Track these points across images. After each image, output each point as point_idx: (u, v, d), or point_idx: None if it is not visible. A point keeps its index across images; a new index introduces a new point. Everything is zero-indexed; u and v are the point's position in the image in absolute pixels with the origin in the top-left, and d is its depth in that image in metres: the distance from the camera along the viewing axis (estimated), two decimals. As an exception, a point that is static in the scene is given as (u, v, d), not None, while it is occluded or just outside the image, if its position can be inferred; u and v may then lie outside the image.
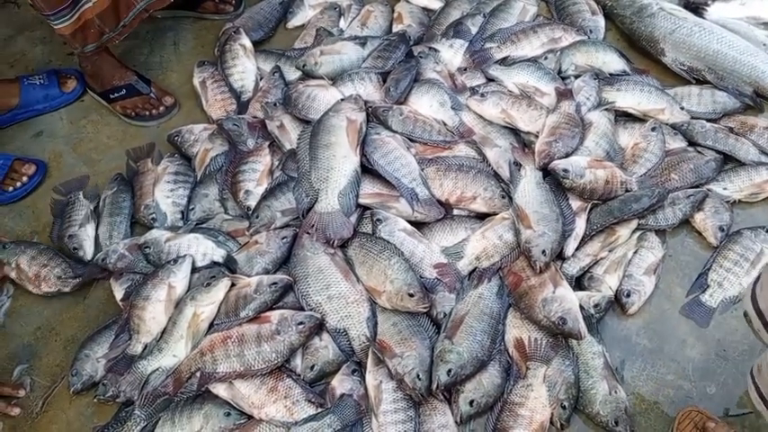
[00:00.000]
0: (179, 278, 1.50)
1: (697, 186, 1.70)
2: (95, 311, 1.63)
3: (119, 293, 1.58)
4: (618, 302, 1.54)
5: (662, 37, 1.94)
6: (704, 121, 1.82)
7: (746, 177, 1.71)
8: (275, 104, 1.86)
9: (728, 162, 1.76)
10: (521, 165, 1.64)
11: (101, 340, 1.52)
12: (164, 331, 1.46)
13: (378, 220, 1.59)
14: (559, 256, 1.55)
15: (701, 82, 1.91)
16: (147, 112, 1.98)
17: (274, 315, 1.42)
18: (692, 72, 1.91)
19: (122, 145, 1.94)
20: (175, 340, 1.43)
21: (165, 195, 1.73)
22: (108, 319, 1.58)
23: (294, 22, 2.24)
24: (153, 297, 1.47)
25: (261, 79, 1.99)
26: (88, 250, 1.68)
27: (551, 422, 1.36)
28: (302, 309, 1.46)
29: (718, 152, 1.75)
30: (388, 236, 1.56)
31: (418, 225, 1.62)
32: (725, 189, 1.71)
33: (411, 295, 1.42)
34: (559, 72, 1.92)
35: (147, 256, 1.59)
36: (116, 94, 1.97)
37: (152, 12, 2.21)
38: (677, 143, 1.78)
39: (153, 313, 1.46)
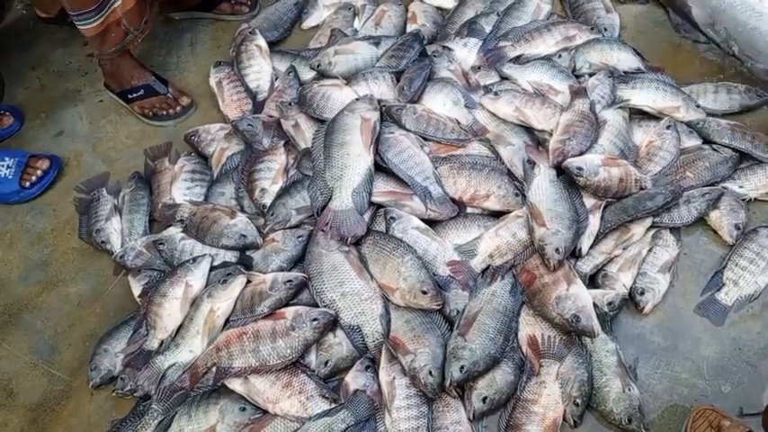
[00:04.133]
0: (197, 277, 1.52)
1: (713, 184, 1.69)
2: (114, 307, 1.66)
3: (137, 290, 1.61)
4: (632, 300, 1.54)
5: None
6: (720, 119, 1.80)
7: (763, 175, 1.70)
8: (290, 104, 1.88)
9: (744, 160, 1.74)
10: (534, 163, 1.64)
11: (119, 336, 1.55)
12: (180, 327, 1.48)
13: (391, 218, 1.60)
14: (573, 254, 1.54)
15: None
16: (165, 112, 2.01)
17: (289, 312, 1.43)
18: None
19: (140, 144, 1.98)
20: (192, 336, 1.45)
21: (182, 193, 1.75)
22: (126, 315, 1.61)
23: (309, 22, 2.27)
24: (170, 294, 1.50)
25: (276, 79, 2.01)
26: (115, 243, 1.71)
27: (564, 419, 1.36)
28: (317, 306, 1.48)
29: (735, 150, 1.74)
30: (401, 234, 1.57)
31: (432, 223, 1.63)
32: (741, 187, 1.70)
33: (424, 293, 1.43)
34: (573, 70, 1.92)
35: (161, 253, 1.61)
36: (134, 94, 2.01)
37: (168, 11, 2.27)
38: (692, 141, 1.77)
39: (169, 310, 1.48)
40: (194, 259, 1.56)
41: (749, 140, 1.75)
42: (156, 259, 1.63)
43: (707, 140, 1.77)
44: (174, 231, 1.65)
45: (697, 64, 2.02)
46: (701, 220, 1.65)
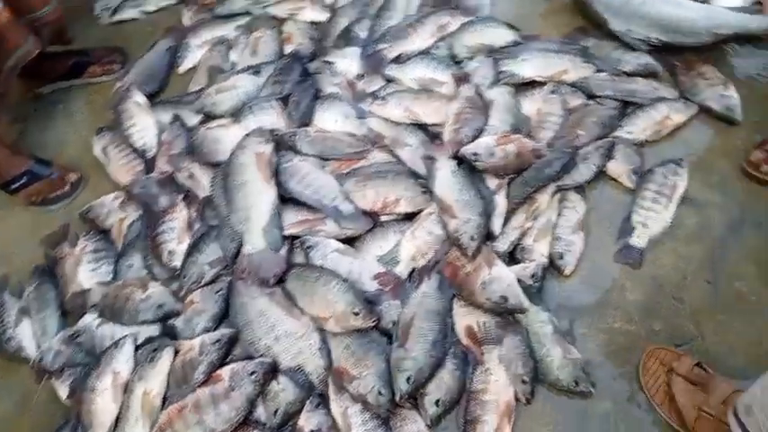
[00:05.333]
0: (122, 361, 1.46)
1: (604, 137, 1.76)
2: (44, 417, 1.54)
3: (63, 392, 1.52)
4: (554, 266, 1.59)
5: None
6: (598, 74, 1.87)
7: (647, 117, 1.78)
8: (181, 155, 1.82)
9: (628, 107, 1.82)
10: (434, 158, 1.66)
11: (56, 447, 1.46)
12: (118, 419, 1.42)
13: (308, 246, 1.59)
14: (488, 237, 1.58)
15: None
16: (53, 195, 1.91)
17: (225, 372, 1.40)
18: (649, 39, 1.91)
19: (35, 234, 1.86)
20: (132, 425, 1.38)
21: (88, 277, 1.67)
22: (57, 423, 1.49)
23: (185, 65, 2.21)
24: (99, 387, 1.43)
25: (162, 132, 1.95)
26: (30, 348, 1.61)
27: (517, 399, 1.39)
28: (252, 357, 1.45)
29: (617, 100, 1.81)
30: (321, 260, 1.56)
31: (350, 240, 1.63)
32: (630, 133, 1.77)
33: (356, 313, 1.43)
34: (454, 57, 1.95)
35: (80, 346, 1.54)
36: (17, 184, 1.89)
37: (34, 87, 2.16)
38: (577, 100, 1.84)
39: (102, 405, 1.41)
40: (116, 343, 1.49)
41: (628, 86, 1.83)
42: (77, 354, 1.54)
43: (590, 96, 1.84)
44: (90, 319, 1.57)
45: (567, 21, 2.09)
46: (601, 173, 1.72)
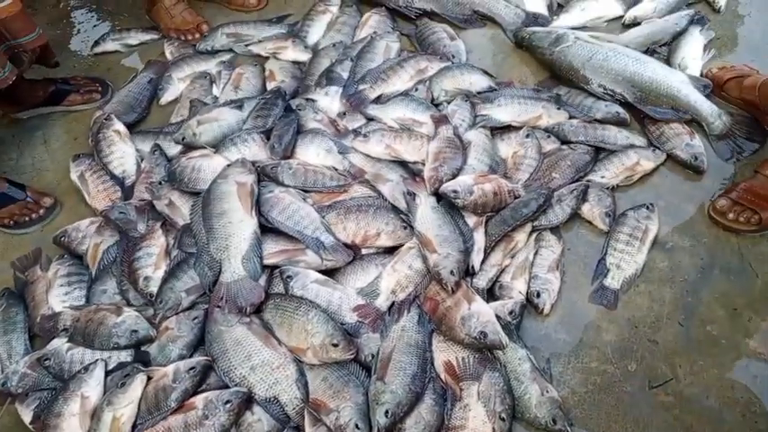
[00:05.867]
0: (92, 386, 1.42)
1: (578, 180, 1.82)
2: (4, 443, 1.50)
3: (27, 417, 1.46)
4: (531, 304, 1.61)
5: (581, 65, 2.01)
6: (572, 120, 1.95)
7: (619, 163, 1.85)
8: (160, 183, 1.82)
9: (601, 152, 1.89)
10: (414, 194, 1.69)
11: (17, 474, 1.40)
12: (84, 445, 1.37)
13: (288, 276, 1.58)
14: (467, 273, 1.59)
15: (623, 104, 1.97)
16: (27, 218, 1.88)
17: (198, 400, 1.36)
18: (615, 94, 1.98)
19: (5, 257, 1.82)
20: (98, 452, 1.34)
21: (60, 300, 1.63)
22: (19, 449, 1.45)
23: (167, 97, 2.22)
24: (66, 412, 1.38)
25: (142, 161, 1.94)
26: None
27: (494, 436, 1.38)
28: (227, 387, 1.41)
29: (590, 145, 1.88)
30: (301, 290, 1.55)
31: (330, 272, 1.63)
32: (603, 177, 1.83)
33: (335, 345, 1.41)
34: (432, 100, 2.01)
35: (49, 369, 1.49)
36: None
37: (12, 112, 2.14)
38: (551, 144, 1.90)
39: (68, 430, 1.36)
40: (86, 368, 1.45)
41: (601, 133, 1.91)
42: (44, 378, 1.49)
43: (564, 141, 1.91)
44: (59, 343, 1.53)
45: (537, 71, 2.18)
46: (575, 215, 1.76)
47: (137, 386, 1.39)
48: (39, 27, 1.93)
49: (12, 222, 1.87)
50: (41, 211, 1.89)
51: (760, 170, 1.75)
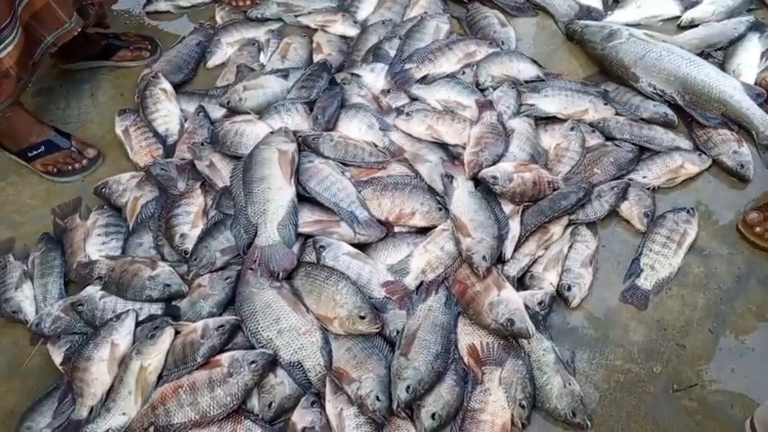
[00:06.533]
0: (122, 334, 1.45)
1: (619, 178, 1.79)
2: (34, 380, 1.53)
3: (58, 358, 1.50)
4: (560, 297, 1.59)
5: (633, 62, 1.97)
6: (618, 117, 1.92)
7: (662, 164, 1.82)
8: (203, 144, 1.84)
9: (645, 152, 1.86)
10: (452, 176, 1.68)
11: (43, 410, 1.43)
12: (110, 390, 1.40)
13: (321, 246, 1.59)
14: (499, 260, 1.59)
15: (671, 105, 1.93)
16: (70, 167, 1.92)
17: (225, 358, 1.39)
18: (665, 95, 1.94)
19: (47, 204, 1.87)
20: (123, 397, 1.37)
21: (97, 249, 1.66)
22: (49, 387, 1.49)
23: (214, 61, 2.24)
24: (95, 357, 1.41)
25: (185, 121, 1.97)
26: (29, 311, 1.60)
27: (512, 423, 1.38)
28: (253, 347, 1.43)
29: (635, 144, 1.85)
30: (332, 261, 1.56)
31: (362, 247, 1.63)
32: (644, 177, 1.80)
33: (362, 317, 1.42)
34: (478, 85, 1.99)
35: (81, 315, 1.52)
36: (34, 152, 1.90)
37: (63, 63, 2.17)
38: (595, 140, 1.87)
39: (96, 374, 1.39)
40: (118, 316, 1.48)
41: (647, 133, 1.87)
42: (76, 322, 1.53)
43: (608, 137, 1.88)
44: (93, 290, 1.56)
45: (587, 64, 2.14)
46: (613, 213, 1.74)
47: (165, 338, 1.42)
48: None
49: (55, 170, 1.92)
50: (84, 162, 1.93)
51: None
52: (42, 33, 1.82)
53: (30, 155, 1.90)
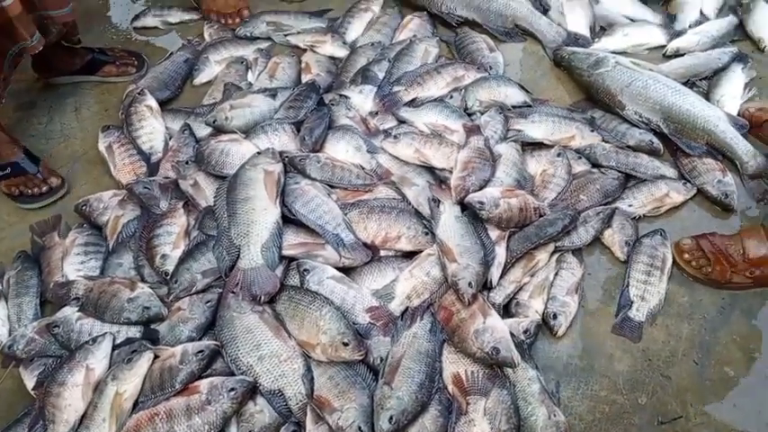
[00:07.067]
0: (98, 358, 1.41)
1: (605, 205, 1.79)
2: (4, 405, 1.48)
3: (30, 382, 1.46)
4: (546, 325, 1.58)
5: (619, 90, 1.99)
6: (604, 144, 1.92)
7: (648, 193, 1.82)
8: (187, 163, 1.81)
9: (630, 179, 1.87)
10: (439, 201, 1.67)
11: (12, 437, 1.38)
12: (84, 417, 1.35)
13: (305, 270, 1.57)
14: (485, 286, 1.57)
15: (657, 133, 1.95)
16: (31, 192, 1.86)
17: (203, 384, 1.35)
18: (650, 123, 1.95)
19: (25, 221, 1.83)
20: (97, 425, 1.32)
21: (75, 269, 1.63)
22: (19, 413, 1.43)
23: (201, 78, 2.22)
24: (69, 382, 1.37)
25: (170, 139, 1.94)
26: (1, 332, 1.55)
27: (497, 455, 1.36)
28: (233, 374, 1.40)
29: (621, 171, 1.86)
30: (316, 285, 1.54)
31: (346, 270, 1.61)
32: (630, 206, 1.81)
33: (345, 344, 1.40)
34: (465, 109, 2.00)
35: (57, 337, 1.48)
36: (1, 173, 1.85)
37: (47, 77, 2.13)
38: (581, 166, 1.88)
39: (69, 400, 1.35)
40: (94, 339, 1.44)
41: (633, 161, 1.88)
42: (50, 345, 1.49)
43: (594, 164, 1.89)
44: (70, 311, 1.52)
45: (573, 90, 2.16)
46: (597, 240, 1.74)
47: (143, 363, 1.39)
48: (71, 3, 1.94)
49: (17, 192, 1.87)
50: (45, 189, 1.87)
51: (743, 233, 1.69)
52: (6, 44, 1.77)
53: None
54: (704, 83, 2.15)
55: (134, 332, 1.50)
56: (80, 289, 1.55)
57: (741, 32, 2.31)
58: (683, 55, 2.23)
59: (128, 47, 2.33)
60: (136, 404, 1.37)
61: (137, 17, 2.45)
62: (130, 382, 1.36)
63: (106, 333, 1.46)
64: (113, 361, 1.43)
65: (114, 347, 1.45)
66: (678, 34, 2.29)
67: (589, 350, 1.57)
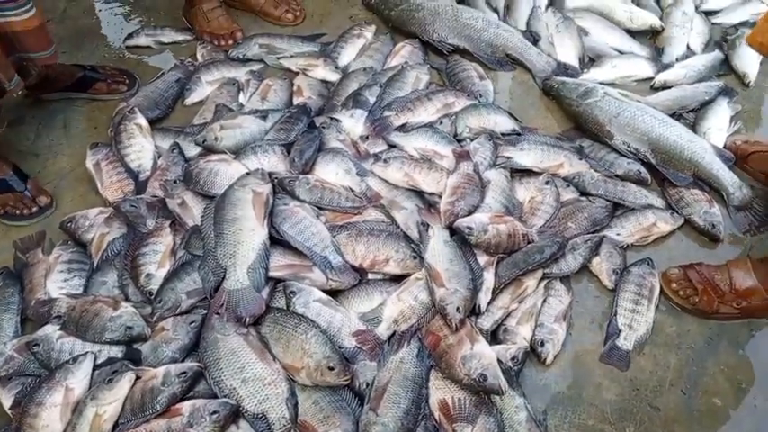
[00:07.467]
0: (78, 378, 1.38)
1: (593, 233, 1.80)
2: (-21, 425, 1.45)
3: (7, 401, 1.42)
4: (533, 352, 1.57)
5: (607, 120, 2.01)
6: (593, 172, 1.94)
7: (636, 222, 1.83)
8: (175, 182, 1.80)
9: (618, 208, 1.88)
10: (428, 225, 1.67)
11: (-14, 459, 1.35)
12: (61, 438, 1.32)
13: (291, 292, 1.55)
14: (473, 312, 1.56)
15: (645, 163, 1.96)
16: (18, 212, 1.84)
17: (185, 406, 1.32)
18: (638, 153, 1.97)
19: (8, 237, 1.80)
20: (75, 447, 1.29)
21: (58, 286, 1.60)
22: (-6, 434, 1.41)
23: (192, 98, 2.22)
24: (47, 402, 1.34)
25: (159, 158, 1.93)
26: None
27: (483, 484, 1.34)
28: (216, 396, 1.37)
29: (608, 200, 1.87)
30: (303, 308, 1.52)
31: (333, 293, 1.60)
32: (618, 235, 1.81)
33: (331, 368, 1.38)
34: (455, 135, 2.01)
35: (36, 355, 1.45)
36: None
37: (37, 93, 2.12)
38: (570, 194, 1.89)
39: (47, 420, 1.32)
40: (75, 359, 1.41)
41: (621, 190, 1.90)
42: (30, 363, 1.45)
43: (583, 192, 1.90)
44: (51, 330, 1.49)
45: (562, 120, 2.18)
46: (585, 268, 1.74)
47: (124, 384, 1.36)
48: (54, 45, 1.89)
49: (3, 212, 1.84)
50: (34, 209, 1.85)
51: (730, 264, 1.71)
52: None
53: None
54: (691, 115, 2.18)
55: (116, 352, 1.47)
56: (62, 307, 1.52)
57: (726, 67, 2.36)
58: (670, 87, 2.27)
59: (120, 65, 2.33)
60: (116, 426, 1.34)
61: (129, 36, 2.45)
62: (110, 402, 1.33)
63: (87, 352, 1.43)
64: (94, 381, 1.40)
65: (95, 367, 1.42)
66: (665, 67, 2.33)
67: (577, 378, 1.56)
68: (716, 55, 2.37)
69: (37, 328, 1.54)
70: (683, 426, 1.49)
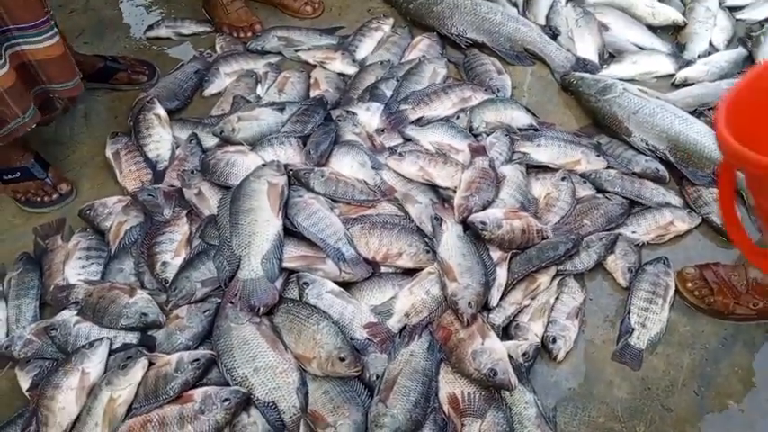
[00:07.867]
0: (94, 363, 1.41)
1: (608, 231, 1.78)
2: (-1, 405, 1.49)
3: (25, 383, 1.46)
4: (545, 349, 1.57)
5: (626, 117, 1.99)
6: (610, 169, 1.92)
7: (652, 220, 1.81)
8: (192, 172, 1.82)
9: (635, 206, 1.86)
10: (442, 219, 1.67)
11: (5, 438, 1.38)
12: (77, 420, 1.35)
13: (304, 283, 1.56)
14: (485, 307, 1.56)
15: (663, 161, 1.94)
16: (39, 199, 1.87)
17: (197, 393, 1.34)
18: (657, 151, 1.95)
19: (29, 223, 1.84)
20: (90, 429, 1.32)
21: (76, 273, 1.63)
22: (13, 413, 1.44)
23: (210, 90, 2.24)
24: (64, 385, 1.37)
25: (177, 148, 1.96)
26: None
27: (491, 478, 1.34)
28: (227, 384, 1.39)
29: (625, 198, 1.85)
30: (315, 299, 1.54)
31: (346, 285, 1.61)
32: (634, 233, 1.80)
33: (342, 359, 1.39)
34: (471, 130, 2.00)
35: (54, 339, 1.48)
36: (9, 176, 1.86)
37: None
38: (586, 191, 1.88)
39: (63, 402, 1.35)
40: (91, 344, 1.44)
41: (638, 188, 1.88)
42: (47, 347, 1.49)
43: (600, 190, 1.89)
44: (69, 315, 1.52)
45: (580, 116, 2.16)
46: (599, 265, 1.73)
47: (138, 370, 1.38)
48: (78, 76, 1.78)
49: (24, 198, 1.88)
50: (55, 196, 1.88)
51: (748, 264, 1.67)
52: None
53: (4, 178, 1.87)
54: (711, 113, 2.15)
55: (131, 338, 1.50)
56: (80, 293, 1.55)
57: (750, 64, 2.32)
58: (691, 84, 2.23)
59: (140, 56, 2.36)
60: (129, 410, 1.37)
61: (150, 27, 2.48)
62: (125, 387, 1.36)
63: (103, 338, 1.46)
64: (109, 366, 1.43)
65: (110, 352, 1.45)
66: (687, 64, 2.29)
67: (588, 376, 1.55)
68: (739, 52, 2.33)
69: (55, 312, 1.57)
70: (695, 426, 1.47)
